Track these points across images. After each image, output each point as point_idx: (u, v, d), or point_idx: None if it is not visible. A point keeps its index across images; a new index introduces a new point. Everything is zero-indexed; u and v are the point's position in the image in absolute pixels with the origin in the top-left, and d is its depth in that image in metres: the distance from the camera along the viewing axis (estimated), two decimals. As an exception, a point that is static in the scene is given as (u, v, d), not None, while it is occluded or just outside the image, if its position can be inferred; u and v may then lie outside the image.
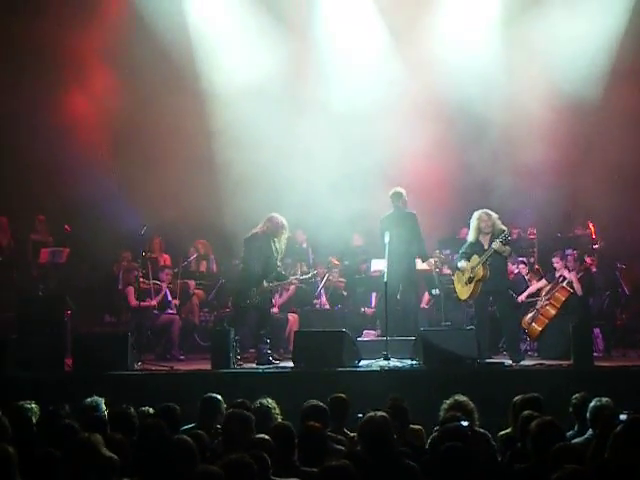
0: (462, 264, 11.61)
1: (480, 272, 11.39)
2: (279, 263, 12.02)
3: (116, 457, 5.29)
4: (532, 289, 12.86)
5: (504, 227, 11.65)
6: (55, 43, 14.54)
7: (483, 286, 11.47)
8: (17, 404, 7.18)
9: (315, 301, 13.96)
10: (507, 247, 11.47)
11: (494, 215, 11.63)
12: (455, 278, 11.95)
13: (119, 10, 14.92)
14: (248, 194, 13.65)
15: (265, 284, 11.79)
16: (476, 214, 11.69)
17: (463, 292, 11.73)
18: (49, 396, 8.21)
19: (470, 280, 11.52)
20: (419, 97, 14.27)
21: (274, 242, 11.83)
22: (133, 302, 13.20)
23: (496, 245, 11.30)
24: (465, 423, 6.35)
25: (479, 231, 11.60)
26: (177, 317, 13.44)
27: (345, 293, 14.14)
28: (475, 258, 11.50)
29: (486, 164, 13.77)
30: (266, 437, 5.65)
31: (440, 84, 14.21)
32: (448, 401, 7.19)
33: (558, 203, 14.16)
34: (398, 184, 12.53)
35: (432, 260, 13.49)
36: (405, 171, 13.71)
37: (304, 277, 12.91)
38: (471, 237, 11.71)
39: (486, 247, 11.50)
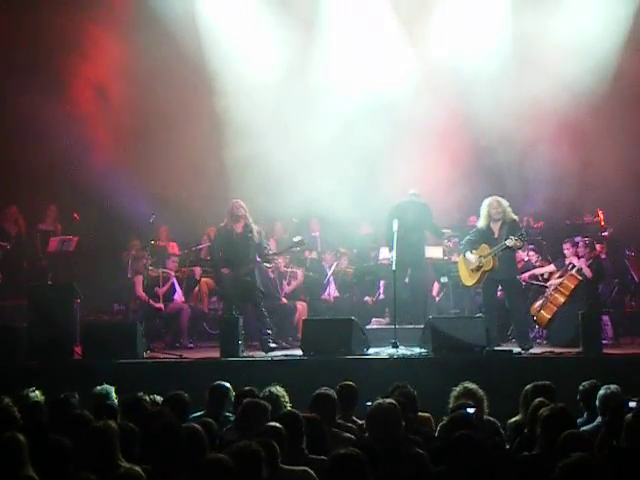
0: (469, 256, 11.56)
1: (490, 263, 11.34)
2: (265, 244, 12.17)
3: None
4: (537, 271, 12.85)
5: (515, 216, 11.61)
6: (63, 29, 14.58)
7: (492, 274, 11.44)
8: (22, 392, 7.23)
9: (324, 291, 13.93)
10: (520, 243, 11.41)
11: (504, 202, 11.57)
12: (460, 263, 11.91)
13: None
14: (256, 181, 13.63)
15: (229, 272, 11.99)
16: (486, 201, 11.62)
17: (468, 279, 11.72)
18: (59, 384, 8.24)
19: (478, 268, 11.49)
20: (429, 78, 14.26)
21: (240, 227, 11.92)
22: (140, 292, 13.24)
23: (511, 243, 11.17)
24: (471, 410, 6.36)
25: (489, 218, 11.54)
26: (186, 305, 13.46)
27: (354, 280, 14.12)
28: (485, 247, 11.44)
29: (497, 143, 13.74)
30: (276, 425, 5.66)
31: (449, 64, 14.17)
32: (457, 388, 7.20)
33: (566, 194, 14.15)
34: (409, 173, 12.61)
35: (442, 248, 13.54)
36: (417, 154, 13.65)
37: (287, 248, 12.74)
38: (481, 223, 11.64)
39: (496, 235, 11.45)
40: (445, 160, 13.80)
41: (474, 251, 11.55)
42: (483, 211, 11.60)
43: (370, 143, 13.68)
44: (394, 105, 14.03)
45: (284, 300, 13.31)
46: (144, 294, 13.04)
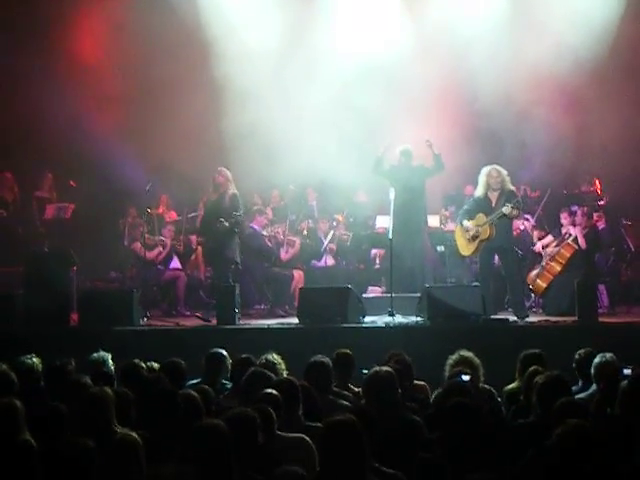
0: (466, 223, 11.54)
1: (487, 232, 11.31)
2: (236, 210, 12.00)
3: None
4: (545, 241, 12.71)
5: (512, 187, 11.57)
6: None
7: (488, 243, 11.43)
8: (19, 358, 7.24)
9: (320, 259, 13.87)
10: (516, 211, 11.37)
11: (504, 172, 11.49)
12: (457, 233, 11.86)
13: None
14: (256, 149, 13.58)
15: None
16: (485, 170, 11.55)
17: (465, 248, 11.68)
18: (55, 351, 8.23)
19: (474, 238, 11.46)
20: (427, 42, 14.16)
21: (216, 196, 12.07)
22: (146, 254, 13.16)
23: (507, 210, 11.13)
24: (466, 377, 6.38)
25: (488, 187, 11.48)
26: (182, 273, 13.48)
27: (348, 244, 14.04)
28: (481, 216, 11.41)
29: (494, 107, 13.66)
30: (273, 392, 5.68)
31: (447, 27, 14.08)
32: (453, 357, 7.22)
33: (563, 159, 14.12)
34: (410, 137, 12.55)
35: (438, 216, 13.52)
36: (416, 119, 13.57)
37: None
38: (479, 192, 11.58)
39: (494, 204, 11.40)
40: (444, 125, 13.69)
41: (471, 220, 11.52)
42: (481, 180, 11.53)
43: (369, 108, 13.56)
44: (393, 69, 13.94)
45: (284, 259, 13.31)
46: (147, 254, 13.06)
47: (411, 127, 13.12)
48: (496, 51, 13.68)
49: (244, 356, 7.26)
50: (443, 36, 14.14)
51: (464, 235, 11.60)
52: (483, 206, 11.48)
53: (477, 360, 7.16)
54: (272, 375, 6.38)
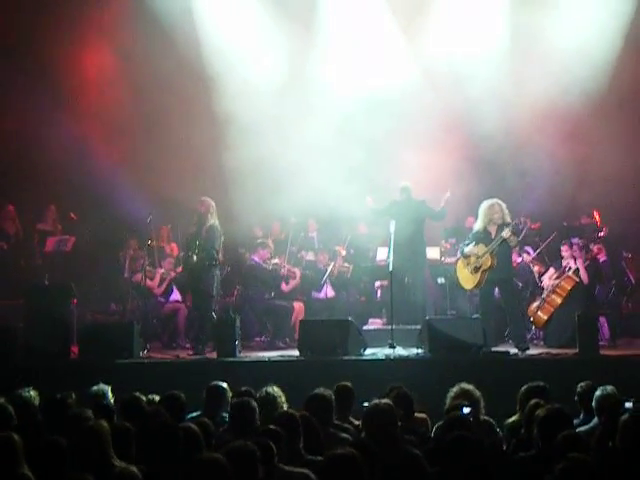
0: (469, 248, 11.54)
1: (488, 262, 11.32)
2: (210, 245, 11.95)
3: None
4: (550, 273, 12.72)
5: (510, 220, 11.61)
6: (63, 31, 14.62)
7: (489, 275, 11.43)
8: (15, 392, 7.21)
9: (320, 291, 13.85)
10: (515, 237, 11.40)
11: (504, 205, 11.56)
12: (459, 266, 11.84)
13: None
14: (258, 182, 13.62)
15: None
16: (488, 203, 11.58)
17: (468, 281, 11.66)
18: (55, 384, 8.22)
19: (476, 269, 11.45)
20: (428, 75, 14.25)
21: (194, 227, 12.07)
22: (147, 282, 13.17)
23: (506, 234, 11.19)
24: (467, 410, 6.36)
25: (489, 221, 11.51)
26: (182, 306, 13.47)
27: (349, 276, 14.01)
28: (482, 247, 11.42)
29: (493, 142, 13.71)
30: (273, 427, 5.65)
31: (448, 60, 14.18)
32: (454, 389, 7.20)
33: (563, 194, 14.17)
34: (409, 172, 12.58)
35: (438, 249, 13.52)
36: (415, 155, 13.62)
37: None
38: (479, 225, 11.60)
39: (493, 236, 11.43)
40: (447, 157, 13.77)
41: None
42: (483, 213, 11.54)
43: (371, 140, 13.69)
44: (395, 102, 14.01)
45: (286, 290, 13.30)
46: (143, 282, 13.04)
47: (412, 158, 13.19)
48: (497, 83, 13.76)
49: (244, 389, 7.24)
50: (445, 68, 14.24)
51: (466, 268, 11.60)
52: (482, 239, 11.51)
53: (477, 393, 7.14)
54: (254, 403, 6.35)
